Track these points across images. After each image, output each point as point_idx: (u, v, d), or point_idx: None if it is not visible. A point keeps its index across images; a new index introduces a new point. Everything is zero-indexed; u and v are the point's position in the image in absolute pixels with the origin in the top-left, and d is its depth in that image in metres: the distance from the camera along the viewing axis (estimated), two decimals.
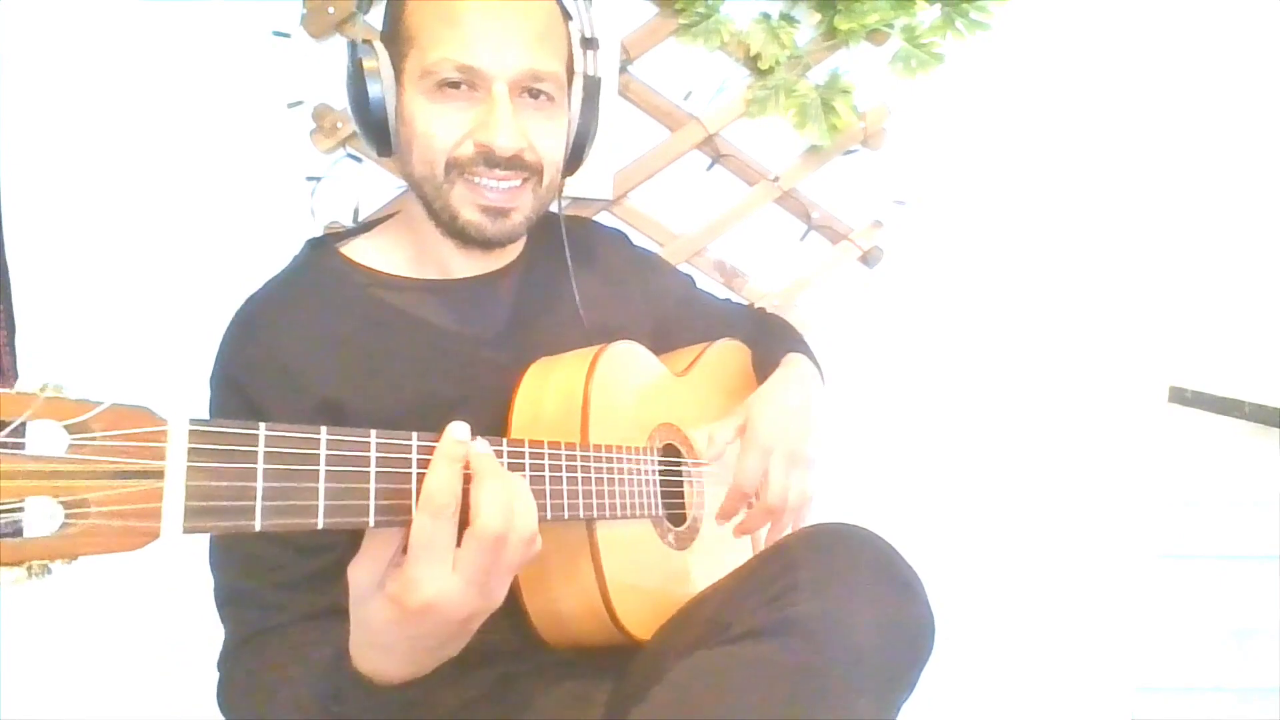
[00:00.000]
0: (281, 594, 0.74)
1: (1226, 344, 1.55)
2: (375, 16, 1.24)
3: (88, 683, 1.36)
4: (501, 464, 0.60)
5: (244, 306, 0.83)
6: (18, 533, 0.39)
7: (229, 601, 0.77)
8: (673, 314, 1.04)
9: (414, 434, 0.57)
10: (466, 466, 0.57)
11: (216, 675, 0.77)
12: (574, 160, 0.86)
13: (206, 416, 0.79)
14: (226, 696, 0.76)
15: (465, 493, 0.56)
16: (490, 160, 0.76)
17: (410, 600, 0.54)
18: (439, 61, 0.74)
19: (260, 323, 0.80)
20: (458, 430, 0.57)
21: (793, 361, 0.97)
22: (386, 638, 0.58)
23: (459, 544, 0.55)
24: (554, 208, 0.91)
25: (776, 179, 1.42)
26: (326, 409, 0.77)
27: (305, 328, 0.79)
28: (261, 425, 0.49)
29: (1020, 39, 1.42)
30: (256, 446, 0.48)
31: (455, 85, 0.75)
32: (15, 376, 1.27)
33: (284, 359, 0.77)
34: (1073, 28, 1.45)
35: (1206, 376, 1.53)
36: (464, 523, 0.56)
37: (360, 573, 0.57)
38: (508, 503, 0.56)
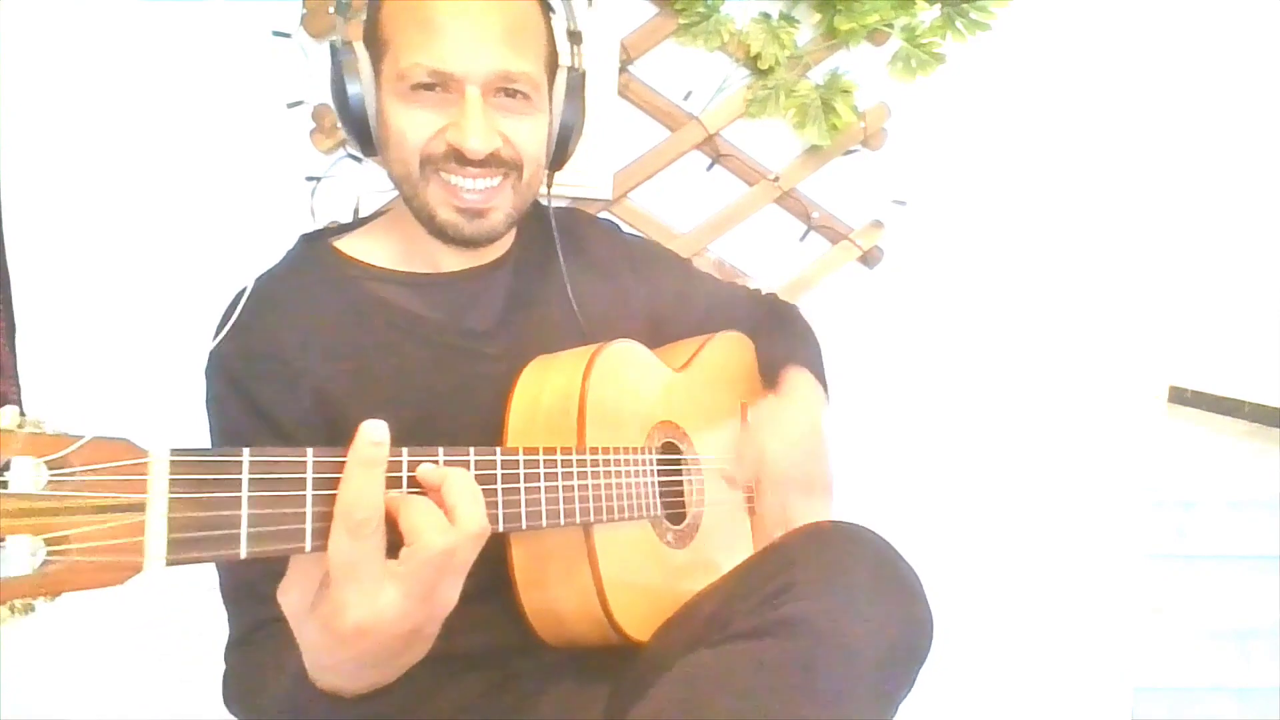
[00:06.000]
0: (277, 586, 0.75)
1: (1226, 344, 1.55)
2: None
3: (88, 683, 1.36)
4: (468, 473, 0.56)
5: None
6: None
7: (231, 594, 0.78)
8: (670, 304, 1.03)
9: (404, 449, 0.55)
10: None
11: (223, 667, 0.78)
12: (559, 155, 0.86)
13: (204, 408, 0.80)
14: (228, 689, 0.77)
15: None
16: (462, 159, 0.76)
17: (339, 624, 0.51)
18: (412, 67, 0.74)
19: (254, 315, 0.80)
20: (373, 431, 0.51)
21: (792, 383, 0.95)
22: (327, 659, 0.55)
23: (399, 555, 0.52)
24: (544, 202, 0.91)
25: (776, 179, 1.42)
26: (321, 401, 0.77)
27: (299, 320, 0.80)
28: (245, 451, 0.47)
29: (1020, 39, 1.42)
30: (240, 474, 0.47)
31: (429, 87, 0.76)
32: (15, 376, 1.27)
33: (278, 351, 0.78)
34: (1073, 28, 1.45)
35: (1206, 376, 1.53)
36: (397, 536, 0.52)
37: (290, 596, 0.54)
38: (440, 517, 0.53)
